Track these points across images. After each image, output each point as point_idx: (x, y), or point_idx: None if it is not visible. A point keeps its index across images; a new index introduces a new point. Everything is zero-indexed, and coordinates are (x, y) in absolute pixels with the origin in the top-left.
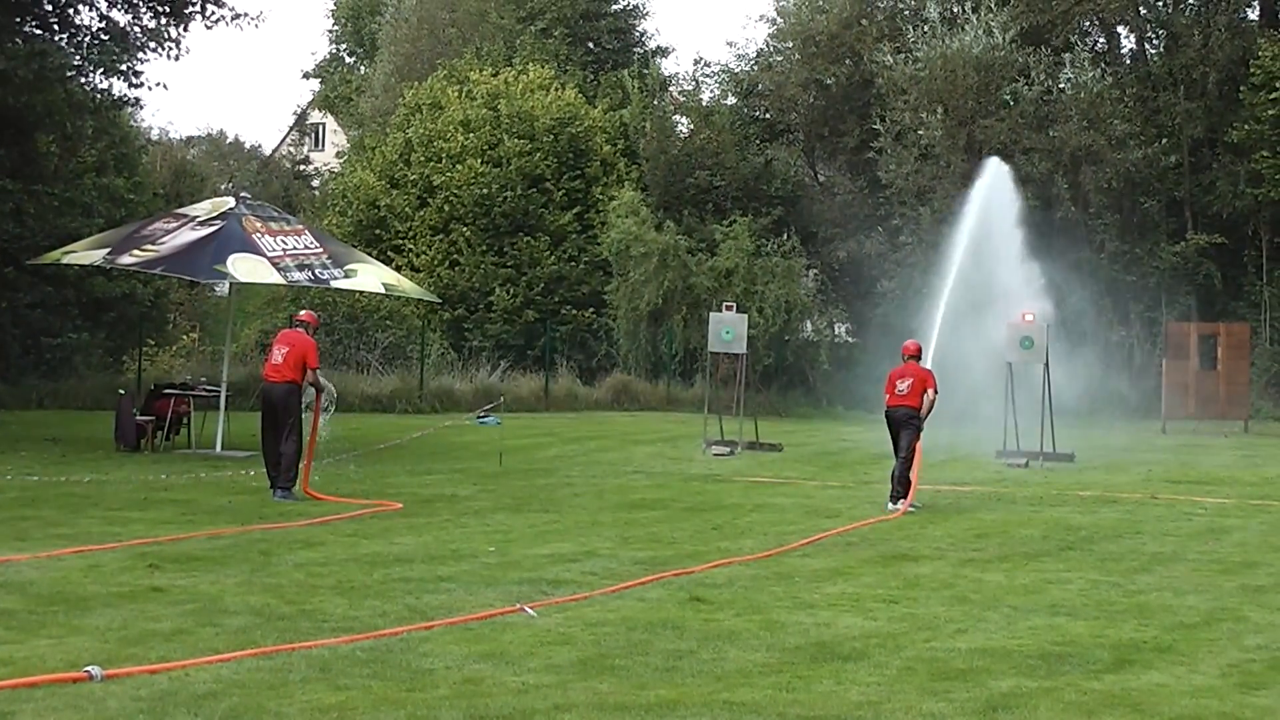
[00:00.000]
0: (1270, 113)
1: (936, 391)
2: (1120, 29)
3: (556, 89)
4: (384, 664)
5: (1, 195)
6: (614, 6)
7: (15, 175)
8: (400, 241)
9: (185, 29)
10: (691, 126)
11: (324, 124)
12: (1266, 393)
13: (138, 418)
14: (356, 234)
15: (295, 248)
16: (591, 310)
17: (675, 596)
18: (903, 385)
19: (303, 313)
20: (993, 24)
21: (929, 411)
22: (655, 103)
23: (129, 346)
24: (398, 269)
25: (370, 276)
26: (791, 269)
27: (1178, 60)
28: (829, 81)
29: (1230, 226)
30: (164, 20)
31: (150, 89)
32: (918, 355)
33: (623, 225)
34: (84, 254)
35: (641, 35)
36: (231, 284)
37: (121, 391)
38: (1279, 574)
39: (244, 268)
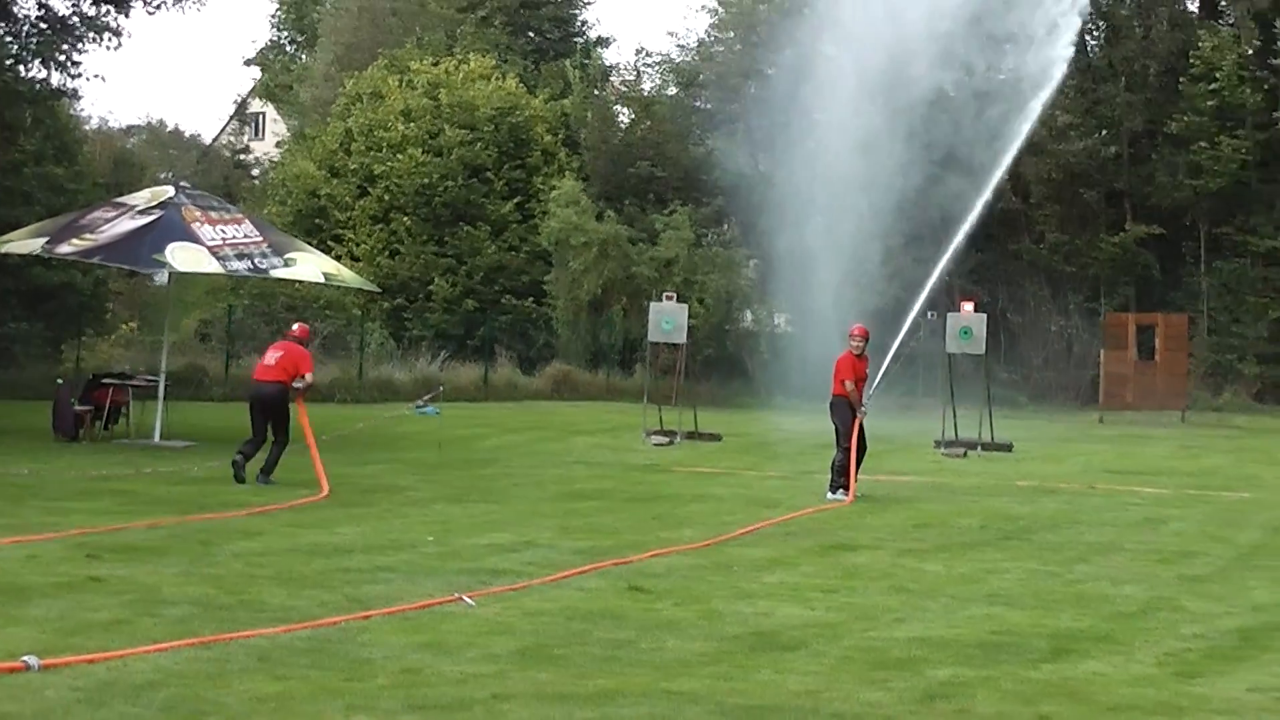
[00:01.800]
0: (1209, 104)
1: (851, 379)
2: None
3: (497, 78)
4: (323, 654)
5: None
6: None
7: None
8: (340, 231)
9: (126, 15)
10: (633, 116)
11: (264, 113)
12: (1204, 383)
13: (76, 407)
14: (296, 223)
15: (235, 237)
16: (532, 300)
17: (615, 586)
18: (833, 373)
19: (295, 326)
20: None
21: (854, 399)
22: (596, 92)
23: (68, 336)
24: (338, 258)
25: (310, 266)
26: (732, 259)
27: (1118, 52)
28: (770, 71)
29: (1169, 218)
30: (104, 7)
31: (89, 80)
32: (857, 339)
33: (563, 215)
34: (22, 243)
35: (583, 25)
36: (171, 273)
37: (60, 381)
38: (1216, 563)
39: (183, 257)
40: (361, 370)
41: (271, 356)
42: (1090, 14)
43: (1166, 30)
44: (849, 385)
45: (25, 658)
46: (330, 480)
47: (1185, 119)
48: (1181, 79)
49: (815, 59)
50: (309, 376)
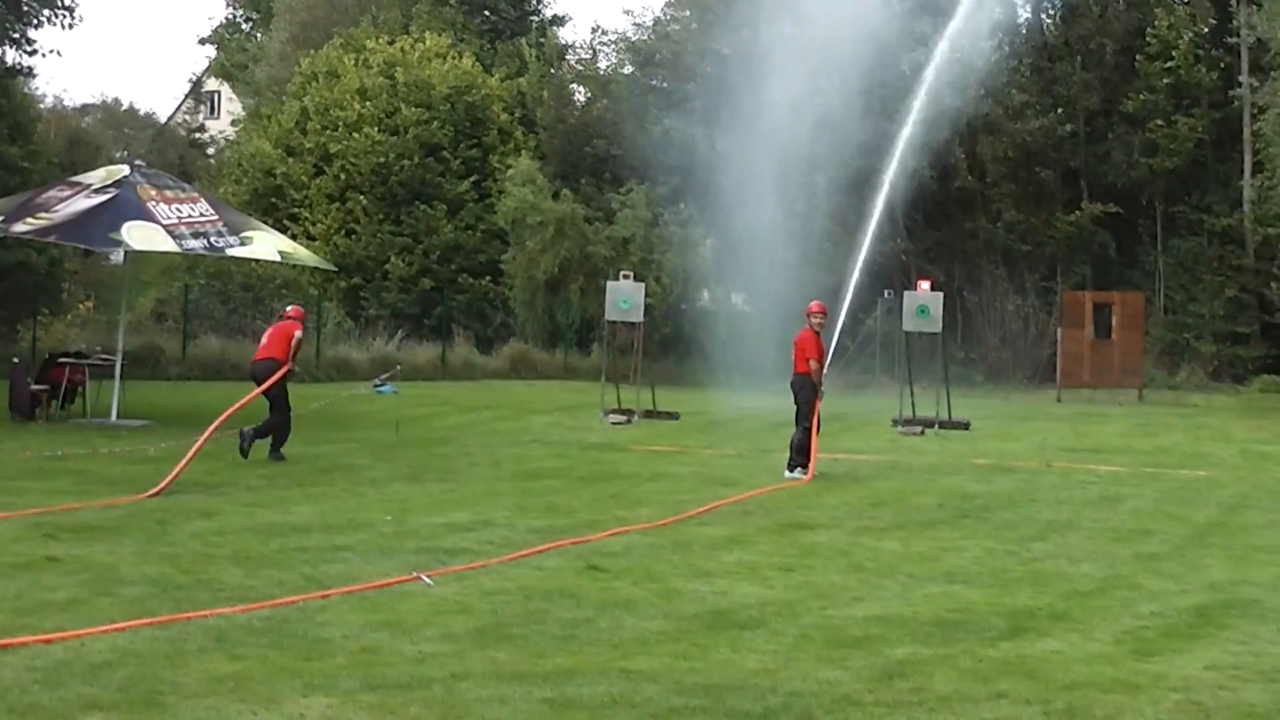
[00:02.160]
0: (1165, 82)
1: (818, 359)
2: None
3: (453, 57)
4: (281, 633)
5: None
6: None
7: None
8: (296, 210)
9: None
10: (589, 95)
11: (220, 92)
12: (1160, 362)
13: (32, 387)
14: (252, 202)
15: (190, 215)
16: (488, 279)
17: (572, 565)
18: (794, 352)
19: (290, 308)
20: None
21: (817, 378)
22: (552, 71)
23: (23, 315)
24: (294, 237)
25: (266, 244)
26: (689, 238)
27: (1075, 30)
28: (726, 51)
29: (1125, 196)
30: None
31: (44, 56)
32: (817, 316)
33: (519, 194)
34: None
35: (539, 4)
36: (126, 252)
37: (15, 360)
38: (1172, 542)
39: (139, 235)
40: (319, 349)
41: (265, 338)
42: None
43: (1123, 9)
44: (814, 364)
45: None
46: (291, 460)
47: (1141, 98)
48: (1138, 58)
49: (772, 38)
50: (299, 334)
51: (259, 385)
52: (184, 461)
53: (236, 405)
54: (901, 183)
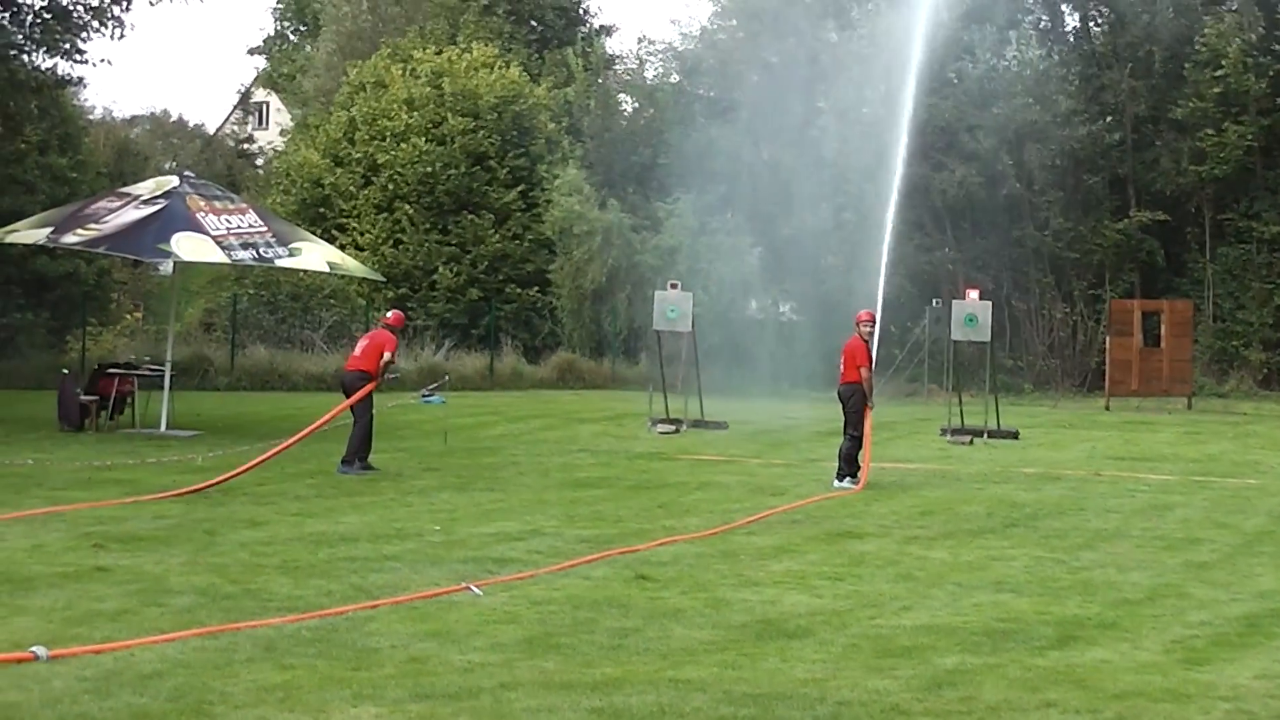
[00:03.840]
0: (1214, 90)
1: (869, 366)
2: (1064, 7)
3: (500, 67)
4: (329, 643)
5: None
6: None
7: None
8: (344, 220)
9: (128, 6)
10: (635, 104)
11: (268, 102)
12: (1209, 370)
13: (81, 397)
14: (300, 212)
15: (239, 226)
16: (536, 289)
17: (621, 575)
18: (842, 361)
19: (390, 313)
20: (939, 2)
21: (868, 387)
22: (599, 81)
23: (72, 326)
24: (341, 247)
25: (314, 255)
26: (736, 247)
27: (1122, 38)
28: (773, 59)
29: (1173, 204)
30: None
31: (94, 66)
32: (866, 324)
33: (566, 203)
34: (27, 233)
35: (585, 13)
36: (175, 263)
37: (64, 371)
38: (1222, 550)
39: (188, 246)
40: None
41: (359, 346)
42: (1094, 1)
43: (1171, 16)
44: (864, 371)
45: (34, 648)
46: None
47: (1190, 105)
48: (1186, 65)
49: (819, 47)
50: (388, 354)
51: (347, 395)
52: (254, 462)
53: (327, 416)
54: (950, 190)
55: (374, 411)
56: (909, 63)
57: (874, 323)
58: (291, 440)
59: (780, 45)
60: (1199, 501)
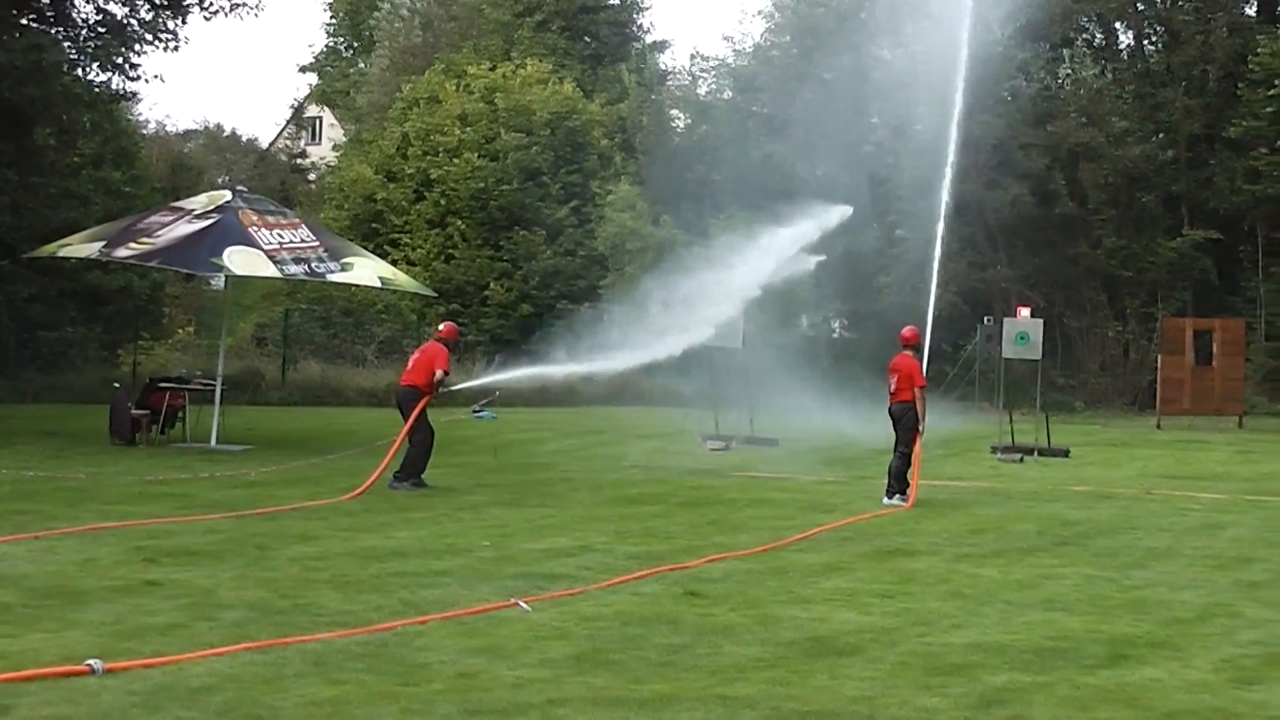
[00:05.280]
0: (1269, 109)
1: (923, 385)
2: (1118, 25)
3: (554, 83)
4: (379, 658)
5: None
6: (611, 1)
7: (13, 168)
8: (396, 235)
9: (183, 21)
10: (689, 121)
11: (321, 117)
12: (1261, 389)
13: (133, 411)
14: (353, 227)
15: (292, 241)
16: (588, 305)
17: (670, 591)
18: (892, 380)
19: (442, 325)
20: (992, 20)
21: (922, 407)
22: (653, 97)
23: (125, 340)
24: (394, 263)
25: (366, 270)
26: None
27: (1177, 57)
28: (827, 76)
29: (1227, 222)
30: (161, 12)
31: (147, 81)
32: (911, 344)
33: (619, 219)
34: (80, 247)
35: (639, 29)
36: (228, 277)
37: (116, 385)
38: (1274, 569)
39: (240, 260)
40: None
41: (412, 360)
42: (1148, 19)
43: (1225, 36)
44: (918, 390)
45: (89, 661)
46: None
47: (1244, 124)
48: (1240, 84)
49: (873, 64)
50: (439, 373)
51: (401, 410)
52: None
53: (400, 436)
54: (1002, 208)
55: (432, 428)
56: (957, 80)
57: (918, 340)
58: (384, 462)
59: (834, 62)
60: (1251, 520)
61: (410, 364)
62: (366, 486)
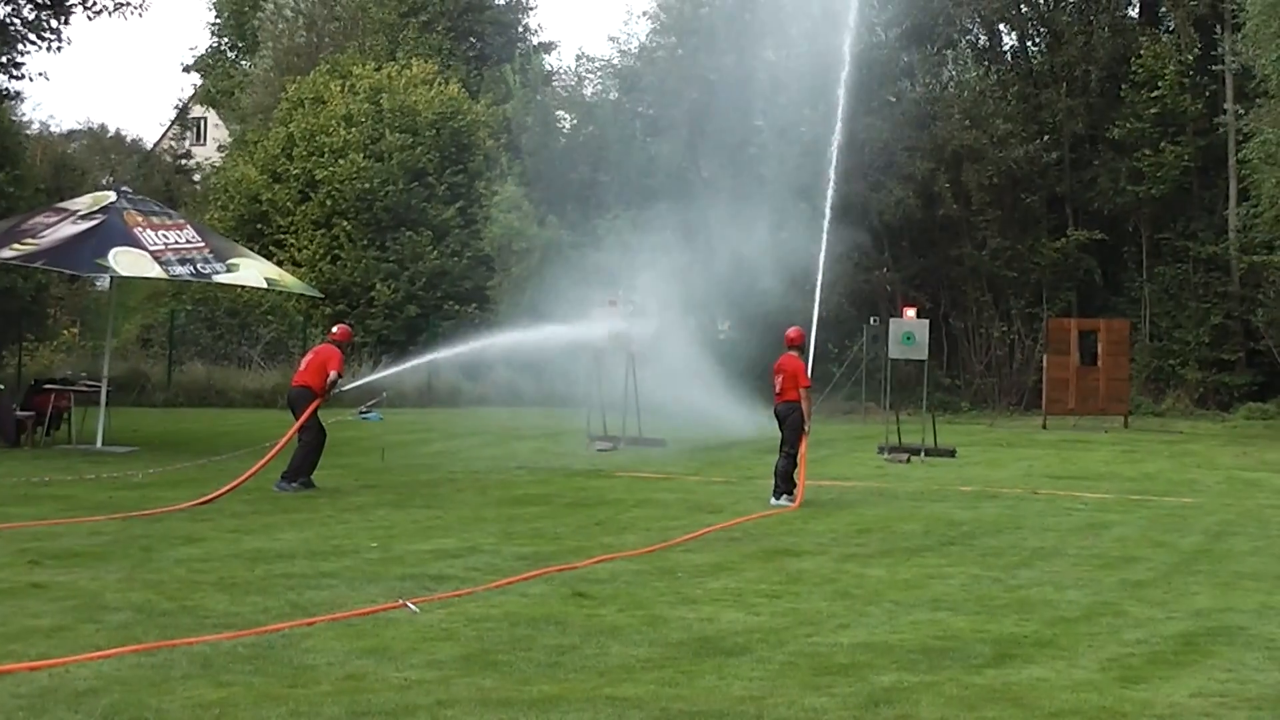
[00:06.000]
0: (1151, 110)
1: (808, 385)
2: (1002, 27)
3: (439, 83)
4: (266, 660)
5: None
6: (497, 1)
7: None
8: (282, 236)
9: (66, 20)
10: (574, 121)
11: (205, 118)
12: (1146, 389)
13: (17, 413)
14: (238, 228)
15: (177, 242)
16: (474, 305)
17: (558, 592)
18: (777, 380)
19: (336, 328)
20: (875, 22)
21: (808, 407)
22: (538, 97)
23: (9, 341)
24: (280, 263)
25: (252, 271)
26: (674, 264)
27: (1060, 58)
28: (712, 76)
29: (1111, 223)
30: (44, 12)
31: (31, 80)
32: (796, 345)
33: (505, 220)
34: None
35: (524, 30)
36: (113, 278)
37: (0, 387)
38: (1158, 569)
39: (125, 261)
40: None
41: (305, 361)
42: (1030, 20)
43: (1108, 36)
44: (804, 391)
45: None
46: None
47: (1127, 125)
48: (1123, 85)
49: (756, 64)
50: (333, 374)
51: (293, 410)
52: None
53: (287, 435)
54: (887, 210)
55: (324, 429)
56: (840, 81)
57: (802, 340)
58: (262, 461)
59: (718, 62)
60: (1136, 520)
61: (303, 364)
62: (231, 488)
